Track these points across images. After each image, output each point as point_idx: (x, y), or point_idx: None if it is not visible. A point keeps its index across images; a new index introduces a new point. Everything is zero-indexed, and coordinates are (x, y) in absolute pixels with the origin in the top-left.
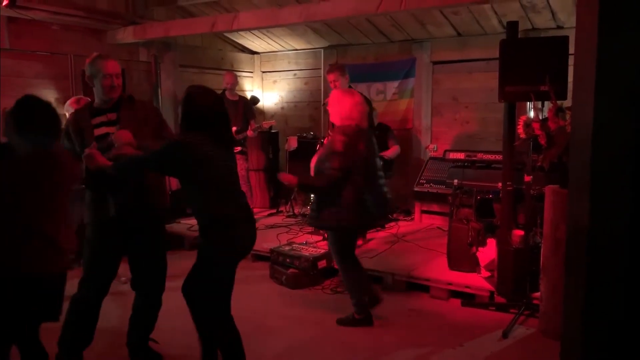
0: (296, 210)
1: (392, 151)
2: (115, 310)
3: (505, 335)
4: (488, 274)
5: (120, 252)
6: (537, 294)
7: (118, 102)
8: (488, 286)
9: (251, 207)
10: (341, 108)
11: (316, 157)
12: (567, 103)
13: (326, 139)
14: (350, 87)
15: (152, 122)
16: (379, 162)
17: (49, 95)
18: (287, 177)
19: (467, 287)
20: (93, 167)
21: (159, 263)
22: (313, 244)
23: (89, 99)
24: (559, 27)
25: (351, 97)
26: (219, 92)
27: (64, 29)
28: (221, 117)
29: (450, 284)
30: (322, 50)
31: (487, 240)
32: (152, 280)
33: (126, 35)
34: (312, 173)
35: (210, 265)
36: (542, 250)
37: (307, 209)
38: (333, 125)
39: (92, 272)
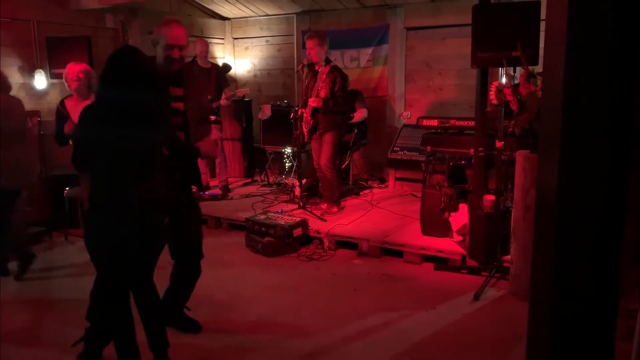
0: (271, 179)
1: (359, 114)
2: None
3: (476, 297)
4: (460, 238)
5: None
6: (508, 257)
7: (179, 75)
8: (460, 250)
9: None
10: None
11: None
12: (539, 69)
13: (299, 108)
14: (327, 58)
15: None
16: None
17: (12, 63)
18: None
19: (439, 251)
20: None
21: (197, 231)
22: (288, 213)
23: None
24: None
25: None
26: (189, 59)
27: None
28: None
29: (423, 248)
30: (295, 15)
31: (459, 206)
32: (191, 249)
33: (91, 0)
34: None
35: None
36: (512, 214)
37: (283, 178)
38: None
39: None
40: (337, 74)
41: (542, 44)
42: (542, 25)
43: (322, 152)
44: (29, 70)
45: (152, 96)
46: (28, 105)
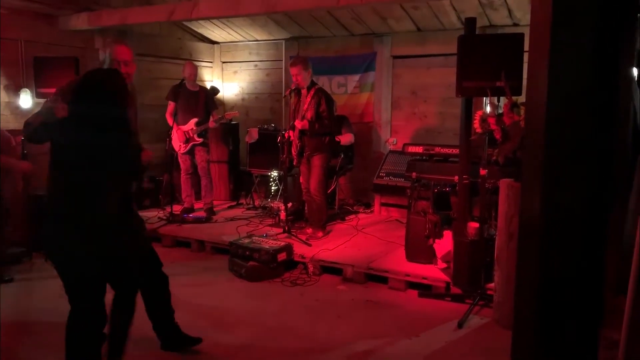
0: (256, 203)
1: (346, 139)
2: None
3: (460, 325)
4: (444, 265)
5: None
6: (492, 285)
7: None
8: (444, 277)
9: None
10: None
11: None
12: (523, 99)
13: (287, 132)
14: (312, 81)
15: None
16: None
17: None
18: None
19: (424, 278)
20: None
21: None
22: (273, 237)
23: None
24: (515, 25)
25: None
26: (177, 82)
27: (13, 13)
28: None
29: (407, 275)
30: (284, 41)
31: (444, 232)
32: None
33: (80, 21)
34: None
35: None
36: (496, 242)
37: (268, 202)
38: None
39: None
40: (322, 95)
41: (525, 75)
42: (526, 56)
43: (312, 177)
44: (14, 89)
45: (116, 111)
46: (13, 124)
